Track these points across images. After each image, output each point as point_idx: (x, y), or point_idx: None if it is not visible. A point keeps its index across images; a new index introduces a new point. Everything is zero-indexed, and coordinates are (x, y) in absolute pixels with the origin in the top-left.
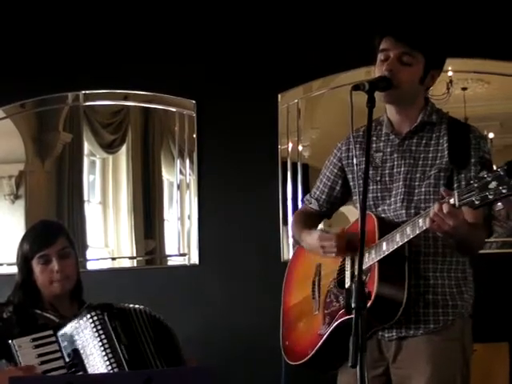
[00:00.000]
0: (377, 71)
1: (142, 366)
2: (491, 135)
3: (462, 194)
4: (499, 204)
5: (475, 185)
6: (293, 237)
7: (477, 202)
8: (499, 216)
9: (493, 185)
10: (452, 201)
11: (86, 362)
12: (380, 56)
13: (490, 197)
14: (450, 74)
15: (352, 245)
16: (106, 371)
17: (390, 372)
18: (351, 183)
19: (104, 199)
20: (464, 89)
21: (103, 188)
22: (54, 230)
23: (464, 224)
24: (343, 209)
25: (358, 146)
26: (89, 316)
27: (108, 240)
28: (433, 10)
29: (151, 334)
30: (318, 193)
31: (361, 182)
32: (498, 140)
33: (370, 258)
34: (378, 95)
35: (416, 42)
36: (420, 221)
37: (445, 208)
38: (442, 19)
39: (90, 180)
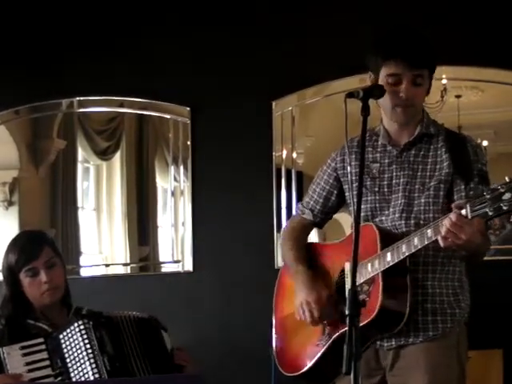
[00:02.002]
0: (389, 96)
1: (125, 376)
2: (485, 143)
3: (474, 206)
4: None
5: (487, 196)
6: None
7: (490, 213)
8: (494, 226)
9: (507, 196)
10: (464, 212)
11: (71, 370)
12: (388, 79)
13: (505, 208)
14: (444, 81)
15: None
16: None
17: (386, 380)
18: (347, 194)
19: (98, 206)
20: (458, 96)
21: (97, 194)
22: (39, 241)
23: (478, 235)
24: (337, 216)
25: (353, 156)
26: (76, 325)
27: (102, 246)
28: (426, 17)
29: (140, 342)
30: (312, 203)
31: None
32: (491, 148)
33: (374, 269)
34: (371, 103)
35: (425, 63)
36: (429, 231)
37: (458, 221)
38: (435, 26)
39: (84, 186)
